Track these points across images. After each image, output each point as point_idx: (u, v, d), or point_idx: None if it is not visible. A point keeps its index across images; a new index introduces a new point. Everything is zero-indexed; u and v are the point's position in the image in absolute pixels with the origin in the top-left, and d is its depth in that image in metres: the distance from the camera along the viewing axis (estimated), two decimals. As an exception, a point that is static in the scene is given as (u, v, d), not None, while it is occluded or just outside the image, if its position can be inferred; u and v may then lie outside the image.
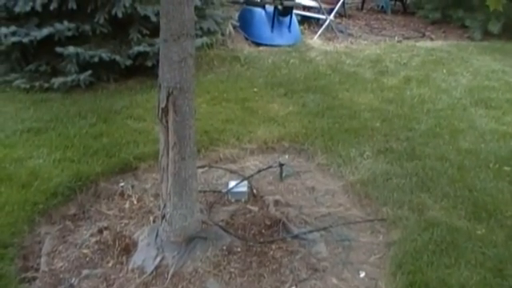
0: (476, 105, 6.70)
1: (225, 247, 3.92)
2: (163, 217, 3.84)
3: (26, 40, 6.52)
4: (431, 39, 10.75)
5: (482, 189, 4.71)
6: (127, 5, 6.63)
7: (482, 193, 4.65)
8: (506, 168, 5.09)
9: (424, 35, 11.09)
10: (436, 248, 3.91)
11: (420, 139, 5.66)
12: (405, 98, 6.87)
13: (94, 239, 4.11)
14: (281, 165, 5.05)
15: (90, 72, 6.70)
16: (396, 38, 10.67)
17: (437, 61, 8.63)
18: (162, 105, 3.54)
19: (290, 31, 9.67)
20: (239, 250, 3.93)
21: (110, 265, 3.87)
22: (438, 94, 7.05)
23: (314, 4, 11.48)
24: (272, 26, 9.57)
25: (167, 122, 3.57)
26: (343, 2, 11.99)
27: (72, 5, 6.53)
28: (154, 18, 6.78)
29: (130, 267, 3.80)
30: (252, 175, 5.00)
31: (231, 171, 5.12)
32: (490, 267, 3.74)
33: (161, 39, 3.50)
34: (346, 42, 10.13)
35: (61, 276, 3.80)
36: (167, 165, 3.69)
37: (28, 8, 6.51)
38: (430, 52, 9.23)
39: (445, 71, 8.04)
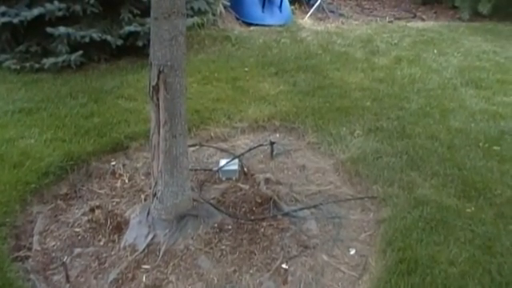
0: (466, 85, 6.71)
1: (216, 225, 3.95)
2: (154, 195, 3.87)
3: (16, 20, 6.46)
4: (422, 20, 10.72)
5: (471, 168, 4.75)
6: (118, -16, 6.60)
7: (471, 172, 4.68)
8: (495, 147, 5.12)
9: (415, 16, 11.07)
10: (425, 226, 3.95)
11: (410, 118, 5.68)
12: (395, 78, 6.88)
13: (85, 218, 4.13)
14: (271, 143, 5.07)
15: (80, 52, 6.67)
16: (387, 18, 10.64)
17: (428, 41, 8.62)
18: (153, 83, 3.55)
19: (280, 11, 9.63)
20: (230, 227, 3.97)
21: (101, 243, 3.90)
22: (428, 73, 7.06)
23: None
24: (263, 6, 9.51)
25: (158, 99, 3.58)
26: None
27: (62, -15, 6.48)
28: (144, -2, 6.73)
29: (122, 245, 3.84)
30: (243, 153, 5.01)
31: (222, 150, 5.14)
32: (479, 244, 3.78)
33: (152, 17, 3.50)
34: (336, 22, 10.09)
35: (53, 255, 3.83)
36: (158, 142, 3.71)
37: (18, -12, 6.47)
38: (420, 32, 9.22)
39: (436, 51, 8.04)
